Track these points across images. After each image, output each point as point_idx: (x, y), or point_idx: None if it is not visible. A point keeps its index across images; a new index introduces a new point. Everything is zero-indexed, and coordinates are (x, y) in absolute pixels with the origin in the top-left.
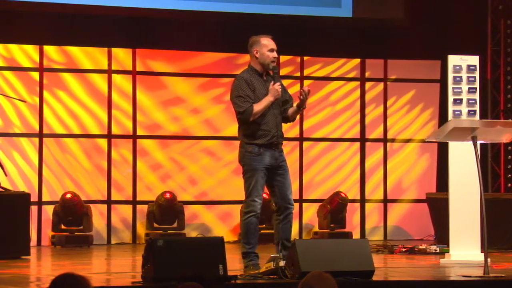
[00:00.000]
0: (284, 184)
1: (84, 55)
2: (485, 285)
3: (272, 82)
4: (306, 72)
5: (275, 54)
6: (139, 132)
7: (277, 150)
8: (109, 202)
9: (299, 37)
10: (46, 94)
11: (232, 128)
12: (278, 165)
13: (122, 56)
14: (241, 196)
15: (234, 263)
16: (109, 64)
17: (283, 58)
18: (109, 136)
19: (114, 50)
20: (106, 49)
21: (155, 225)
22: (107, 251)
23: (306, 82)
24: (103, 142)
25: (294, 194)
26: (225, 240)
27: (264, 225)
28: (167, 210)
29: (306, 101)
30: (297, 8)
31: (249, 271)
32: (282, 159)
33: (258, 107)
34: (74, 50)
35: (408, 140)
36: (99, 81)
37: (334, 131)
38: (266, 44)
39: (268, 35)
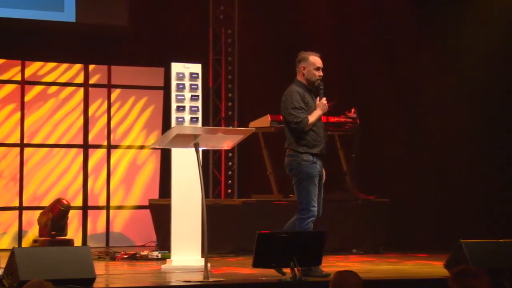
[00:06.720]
0: (321, 194)
1: None
2: None
3: (318, 98)
4: (28, 76)
5: (321, 73)
6: None
7: (322, 160)
8: None
9: (20, 41)
10: None
11: None
12: (321, 174)
13: None
14: None
15: None
16: None
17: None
18: None
19: None
20: None
21: None
22: None
23: (28, 88)
24: None
25: (13, 202)
26: None
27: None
28: None
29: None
30: (18, 11)
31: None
32: (322, 169)
33: (311, 118)
34: None
35: (132, 147)
36: None
37: (56, 137)
38: (313, 62)
39: (316, 53)
